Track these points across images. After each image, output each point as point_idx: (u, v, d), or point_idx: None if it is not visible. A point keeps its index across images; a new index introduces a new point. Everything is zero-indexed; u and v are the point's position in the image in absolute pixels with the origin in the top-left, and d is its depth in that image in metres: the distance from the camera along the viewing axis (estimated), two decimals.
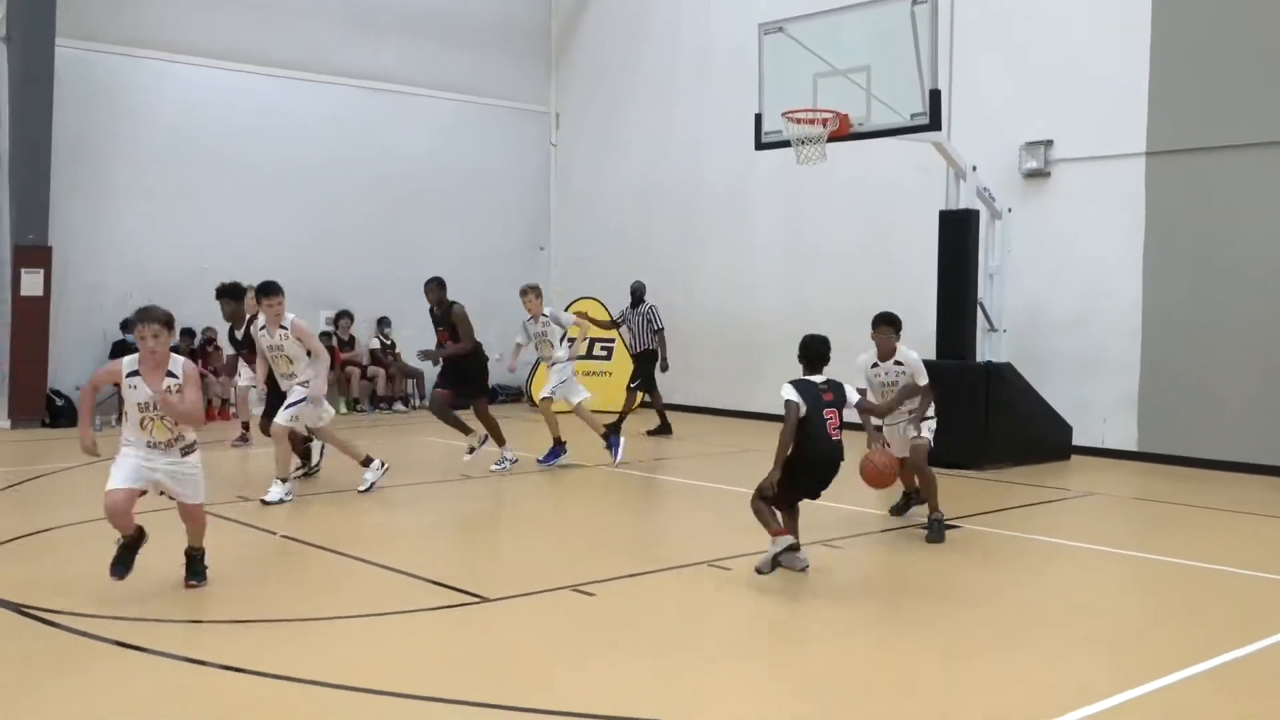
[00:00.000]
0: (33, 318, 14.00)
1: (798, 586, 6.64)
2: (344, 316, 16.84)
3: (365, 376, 16.96)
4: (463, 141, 18.23)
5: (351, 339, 16.95)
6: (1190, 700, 4.88)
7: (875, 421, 7.74)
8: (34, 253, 13.98)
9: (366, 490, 9.60)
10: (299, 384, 9.25)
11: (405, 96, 17.63)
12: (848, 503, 8.26)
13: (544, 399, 11.56)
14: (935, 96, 10.92)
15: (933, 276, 12.24)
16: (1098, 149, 12.61)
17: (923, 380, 8.05)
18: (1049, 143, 13.04)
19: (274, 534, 8.09)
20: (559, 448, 11.50)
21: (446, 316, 11.03)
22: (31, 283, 14.04)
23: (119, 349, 14.80)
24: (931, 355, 12.12)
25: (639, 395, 14.43)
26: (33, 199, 14.11)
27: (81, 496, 9.57)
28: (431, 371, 17.64)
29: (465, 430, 11.06)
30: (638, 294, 14.82)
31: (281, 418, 9.24)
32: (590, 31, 18.77)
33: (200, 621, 5.87)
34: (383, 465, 9.77)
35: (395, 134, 17.50)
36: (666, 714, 4.56)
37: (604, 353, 17.39)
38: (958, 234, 11.91)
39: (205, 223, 15.55)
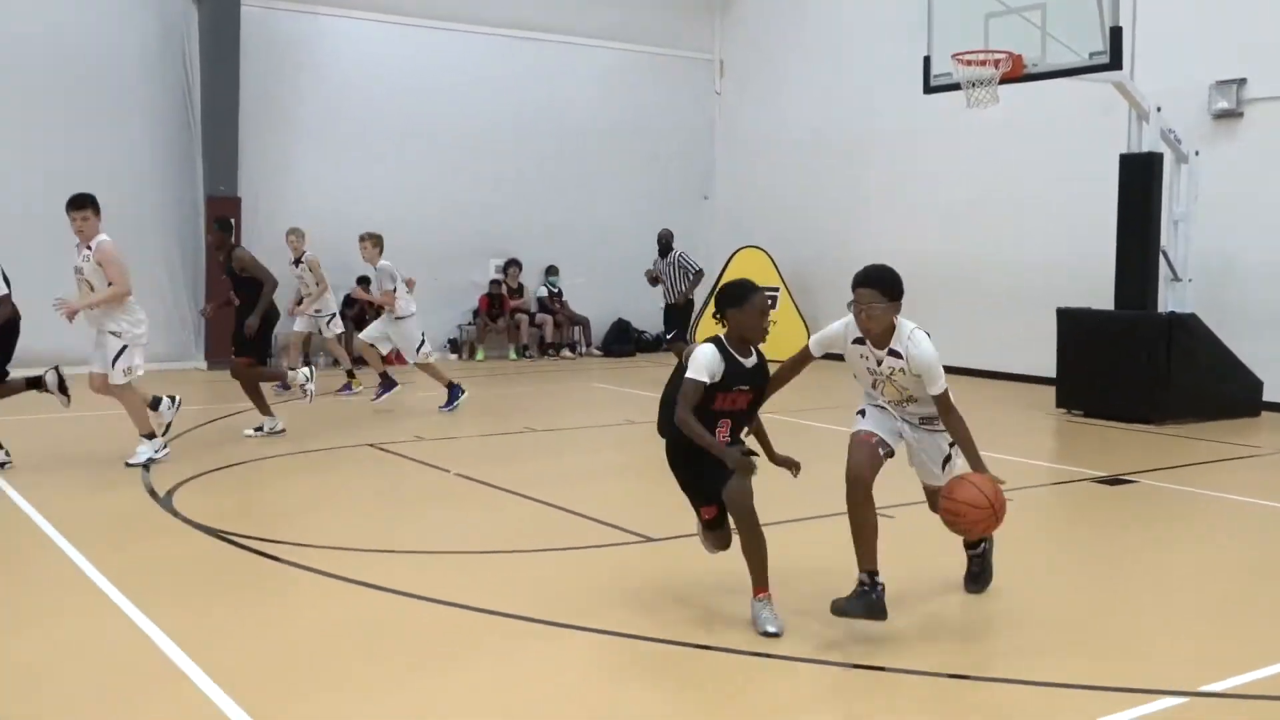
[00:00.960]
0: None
1: (934, 538, 6.56)
2: (512, 265, 17.27)
3: (534, 324, 17.43)
4: (627, 91, 18.32)
5: (520, 287, 17.38)
6: None
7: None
8: (224, 203, 14.75)
9: (135, 464, 8.24)
10: (110, 332, 8.21)
11: (570, 46, 17.78)
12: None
13: (363, 342, 11.91)
14: (1116, 34, 10.42)
15: (1112, 223, 11.76)
16: None
17: (935, 389, 4.99)
18: (1241, 81, 12.30)
19: (448, 471, 8.46)
20: (387, 384, 11.63)
21: (228, 263, 9.87)
22: None
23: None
24: (1109, 305, 11.70)
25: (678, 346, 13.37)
26: (223, 152, 14.94)
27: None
28: (599, 319, 18.08)
29: (266, 411, 9.87)
30: (665, 242, 14.47)
31: (116, 378, 8.23)
32: None
33: (385, 551, 6.19)
34: (164, 447, 8.51)
35: (560, 84, 17.70)
36: (801, 653, 4.62)
37: (769, 302, 17.28)
38: (1140, 179, 11.40)
39: (379, 174, 16.11)
